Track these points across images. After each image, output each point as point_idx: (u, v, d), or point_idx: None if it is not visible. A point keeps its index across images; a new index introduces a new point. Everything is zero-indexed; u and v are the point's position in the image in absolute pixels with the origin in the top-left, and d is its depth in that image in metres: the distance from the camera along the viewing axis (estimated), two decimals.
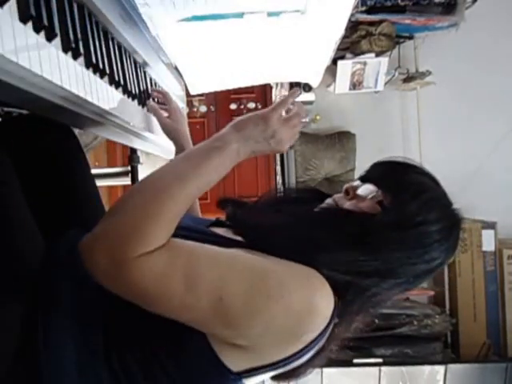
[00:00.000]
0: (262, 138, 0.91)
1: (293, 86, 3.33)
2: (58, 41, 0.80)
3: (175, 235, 0.92)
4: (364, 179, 0.99)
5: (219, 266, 0.81)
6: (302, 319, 0.81)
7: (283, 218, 0.96)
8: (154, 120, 1.36)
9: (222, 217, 1.10)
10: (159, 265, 0.77)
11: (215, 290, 0.78)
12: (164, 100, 1.37)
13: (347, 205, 0.96)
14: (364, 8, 3.13)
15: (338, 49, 2.39)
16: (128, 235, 0.76)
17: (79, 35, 0.89)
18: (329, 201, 1.01)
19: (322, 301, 0.82)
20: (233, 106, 3.25)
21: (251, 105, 3.25)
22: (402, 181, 0.94)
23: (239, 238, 0.94)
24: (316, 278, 0.83)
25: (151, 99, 1.33)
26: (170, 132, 1.35)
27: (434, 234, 0.91)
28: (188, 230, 0.94)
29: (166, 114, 1.36)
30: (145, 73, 1.36)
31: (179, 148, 1.37)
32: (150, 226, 0.77)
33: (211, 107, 3.25)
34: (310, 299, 0.81)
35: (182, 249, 0.81)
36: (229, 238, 0.94)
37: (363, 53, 3.29)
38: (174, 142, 1.37)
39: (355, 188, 0.97)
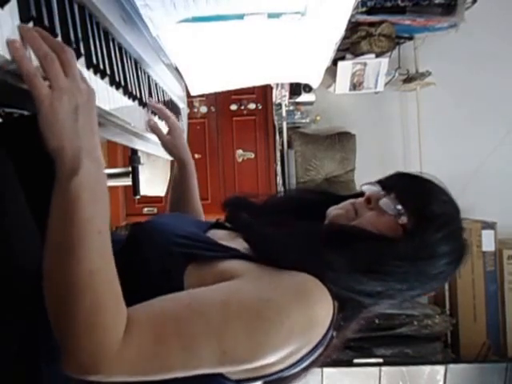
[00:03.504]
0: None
1: (293, 86, 3.35)
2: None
3: (175, 243, 0.90)
4: (386, 187, 0.96)
5: (211, 320, 0.74)
6: (304, 333, 0.80)
7: (293, 228, 0.93)
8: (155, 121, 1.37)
9: (222, 218, 1.10)
10: (147, 348, 0.70)
11: (216, 348, 0.74)
12: (162, 115, 1.35)
13: (367, 216, 0.94)
14: (364, 9, 3.13)
15: (338, 50, 2.39)
16: (91, 351, 0.66)
17: (80, 36, 0.89)
18: (347, 207, 0.97)
19: (321, 309, 0.81)
20: (233, 107, 3.26)
21: (252, 105, 3.25)
22: (431, 209, 0.90)
23: (236, 246, 0.92)
24: (315, 287, 0.81)
25: (151, 116, 1.31)
26: (171, 150, 1.35)
27: (442, 266, 0.91)
28: (187, 239, 0.92)
29: (165, 130, 1.35)
30: (145, 74, 1.37)
31: (180, 162, 1.37)
32: (102, 333, 0.66)
33: (212, 108, 3.25)
34: (309, 312, 0.79)
35: (162, 318, 0.73)
36: (226, 246, 0.92)
37: (363, 53, 3.29)
38: (174, 157, 1.37)
39: (378, 198, 0.94)
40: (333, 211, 0.98)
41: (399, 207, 0.91)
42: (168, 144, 1.34)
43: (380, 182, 0.99)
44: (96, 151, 0.70)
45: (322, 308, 0.81)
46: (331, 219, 0.97)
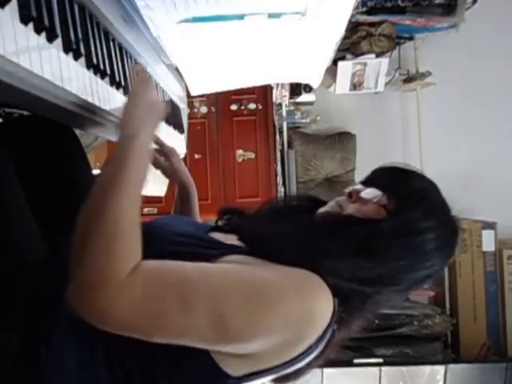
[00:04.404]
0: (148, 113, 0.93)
1: (293, 86, 3.34)
2: (59, 42, 0.81)
3: (172, 241, 0.91)
4: (366, 183, 1.00)
5: (213, 282, 0.80)
6: (302, 324, 0.81)
7: (286, 227, 0.95)
8: None
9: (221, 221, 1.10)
10: (148, 289, 0.76)
11: (213, 309, 0.77)
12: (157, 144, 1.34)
13: (350, 208, 0.97)
14: (364, 9, 3.13)
15: (339, 50, 2.39)
16: (97, 282, 0.74)
17: (80, 36, 0.89)
18: (332, 204, 1.01)
19: (321, 303, 0.82)
20: (233, 107, 3.25)
21: (252, 106, 3.25)
22: (407, 187, 0.95)
23: (238, 244, 0.94)
24: (314, 280, 0.83)
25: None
26: (171, 175, 1.36)
27: (435, 241, 0.92)
28: (185, 236, 0.93)
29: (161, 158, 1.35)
30: None
31: (181, 185, 1.37)
32: (113, 260, 0.75)
33: (212, 108, 3.24)
34: (308, 303, 0.81)
35: (169, 271, 0.80)
36: (227, 244, 0.94)
37: (363, 54, 3.29)
38: (176, 182, 1.37)
39: (358, 191, 0.98)
40: (320, 210, 1.01)
41: (379, 193, 0.95)
42: (167, 170, 1.35)
43: (362, 182, 1.02)
44: (150, 137, 0.93)
45: (321, 302, 0.82)
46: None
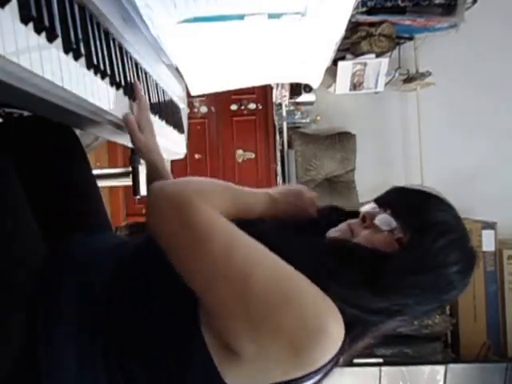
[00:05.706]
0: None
1: (293, 86, 3.35)
2: (59, 42, 0.80)
3: None
4: (381, 203, 0.94)
5: (256, 248, 0.81)
6: (311, 335, 0.77)
7: (300, 245, 0.91)
8: (155, 121, 1.37)
9: None
10: (212, 218, 0.81)
11: (247, 267, 0.77)
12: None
13: (362, 235, 0.92)
14: (364, 9, 3.13)
15: (339, 50, 2.39)
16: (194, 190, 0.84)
17: (80, 36, 0.89)
18: (343, 227, 0.96)
19: (335, 326, 0.78)
20: (233, 107, 3.25)
21: (252, 106, 3.25)
22: (426, 220, 0.88)
23: None
24: (334, 306, 0.80)
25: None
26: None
27: (451, 276, 0.87)
28: None
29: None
30: (146, 74, 1.37)
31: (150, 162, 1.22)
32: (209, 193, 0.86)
33: (212, 108, 3.25)
34: (324, 319, 0.77)
35: (225, 222, 0.83)
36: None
37: (363, 54, 3.29)
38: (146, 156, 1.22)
39: (372, 216, 0.92)
40: (330, 234, 0.97)
41: (393, 222, 0.90)
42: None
43: (376, 200, 0.97)
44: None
45: (335, 323, 0.79)
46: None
